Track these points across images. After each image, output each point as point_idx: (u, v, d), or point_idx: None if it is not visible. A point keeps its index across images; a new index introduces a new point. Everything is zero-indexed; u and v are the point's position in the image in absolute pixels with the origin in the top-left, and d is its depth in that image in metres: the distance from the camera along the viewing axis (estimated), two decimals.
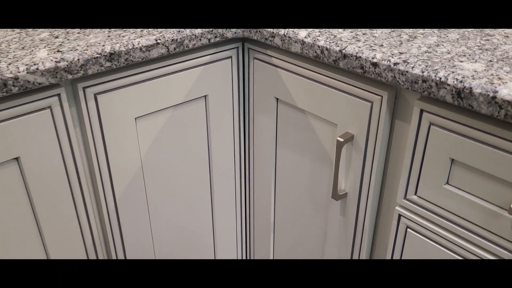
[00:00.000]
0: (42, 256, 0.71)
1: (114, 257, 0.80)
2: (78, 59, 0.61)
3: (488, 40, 0.64)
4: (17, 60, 0.59)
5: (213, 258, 0.97)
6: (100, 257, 0.78)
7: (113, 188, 0.74)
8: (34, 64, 0.58)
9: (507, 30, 0.68)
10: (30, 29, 0.70)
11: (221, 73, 0.80)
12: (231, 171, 0.90)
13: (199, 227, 0.91)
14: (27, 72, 0.57)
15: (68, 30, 0.69)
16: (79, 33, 0.68)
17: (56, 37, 0.67)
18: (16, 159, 0.63)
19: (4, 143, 0.60)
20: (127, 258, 0.81)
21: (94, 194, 0.74)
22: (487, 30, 0.68)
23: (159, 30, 0.70)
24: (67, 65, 0.60)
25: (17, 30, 0.69)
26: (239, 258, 1.03)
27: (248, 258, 1.04)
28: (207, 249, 0.95)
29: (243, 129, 0.89)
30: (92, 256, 0.76)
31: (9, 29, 0.70)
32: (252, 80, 0.83)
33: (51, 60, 0.59)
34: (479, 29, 0.68)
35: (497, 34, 0.66)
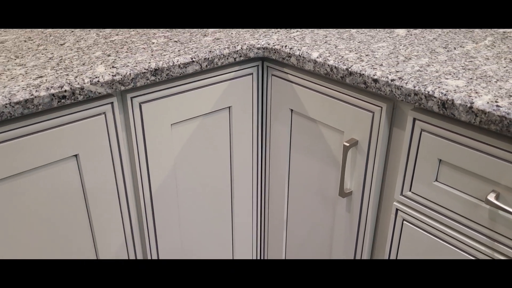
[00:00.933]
0: (90, 240, 0.82)
1: (147, 247, 0.91)
2: (130, 74, 0.74)
3: (471, 61, 0.77)
4: (81, 74, 0.71)
5: (231, 250, 1.09)
6: (137, 244, 0.90)
7: (150, 184, 0.86)
8: (96, 77, 0.71)
9: (489, 53, 0.80)
10: (86, 48, 0.83)
11: (243, 88, 0.93)
12: (249, 173, 1.02)
13: (219, 222, 1.03)
14: (91, 84, 0.70)
15: (117, 49, 0.82)
16: (127, 52, 0.81)
17: (109, 55, 0.80)
18: (76, 156, 0.75)
19: (68, 141, 0.73)
20: (158, 246, 0.93)
21: (134, 188, 0.86)
22: (472, 53, 0.80)
23: (193, 50, 0.83)
24: (121, 78, 0.73)
25: (75, 49, 0.82)
26: (255, 251, 1.14)
27: (262, 251, 1.16)
28: (226, 242, 1.07)
29: (261, 135, 1.02)
30: (130, 244, 0.88)
31: (67, 48, 0.83)
32: (269, 93, 0.96)
33: (109, 74, 0.72)
34: (465, 52, 0.80)
35: (480, 57, 0.79)
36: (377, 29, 0.94)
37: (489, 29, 0.93)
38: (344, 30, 0.94)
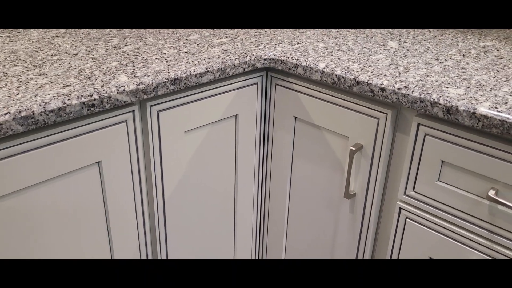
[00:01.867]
0: (106, 242, 0.84)
1: (157, 248, 0.93)
2: (152, 83, 0.77)
3: (464, 72, 0.84)
4: (106, 84, 0.74)
5: (232, 251, 1.12)
6: (148, 245, 0.91)
7: (163, 189, 0.89)
8: (121, 86, 0.73)
9: (477, 65, 0.88)
10: (100, 58, 0.85)
11: (249, 97, 0.97)
12: (251, 177, 1.06)
13: (223, 225, 1.06)
14: (117, 92, 0.72)
15: (133, 60, 0.85)
16: (142, 62, 0.84)
17: (126, 65, 0.82)
18: (98, 163, 0.77)
19: (91, 149, 0.75)
20: (168, 247, 0.95)
21: (147, 192, 0.88)
22: (462, 64, 0.88)
23: (206, 60, 0.86)
24: (145, 88, 0.76)
25: (90, 59, 0.84)
26: (255, 252, 1.17)
27: (262, 252, 1.19)
28: (228, 244, 1.10)
29: (265, 142, 1.06)
30: (143, 246, 0.90)
31: (82, 58, 0.84)
32: (273, 102, 1.01)
33: (133, 83, 0.75)
34: (456, 64, 0.88)
35: (470, 68, 0.87)
36: (372, 42, 1.01)
37: (471, 42, 1.02)
38: (341, 42, 1.01)
